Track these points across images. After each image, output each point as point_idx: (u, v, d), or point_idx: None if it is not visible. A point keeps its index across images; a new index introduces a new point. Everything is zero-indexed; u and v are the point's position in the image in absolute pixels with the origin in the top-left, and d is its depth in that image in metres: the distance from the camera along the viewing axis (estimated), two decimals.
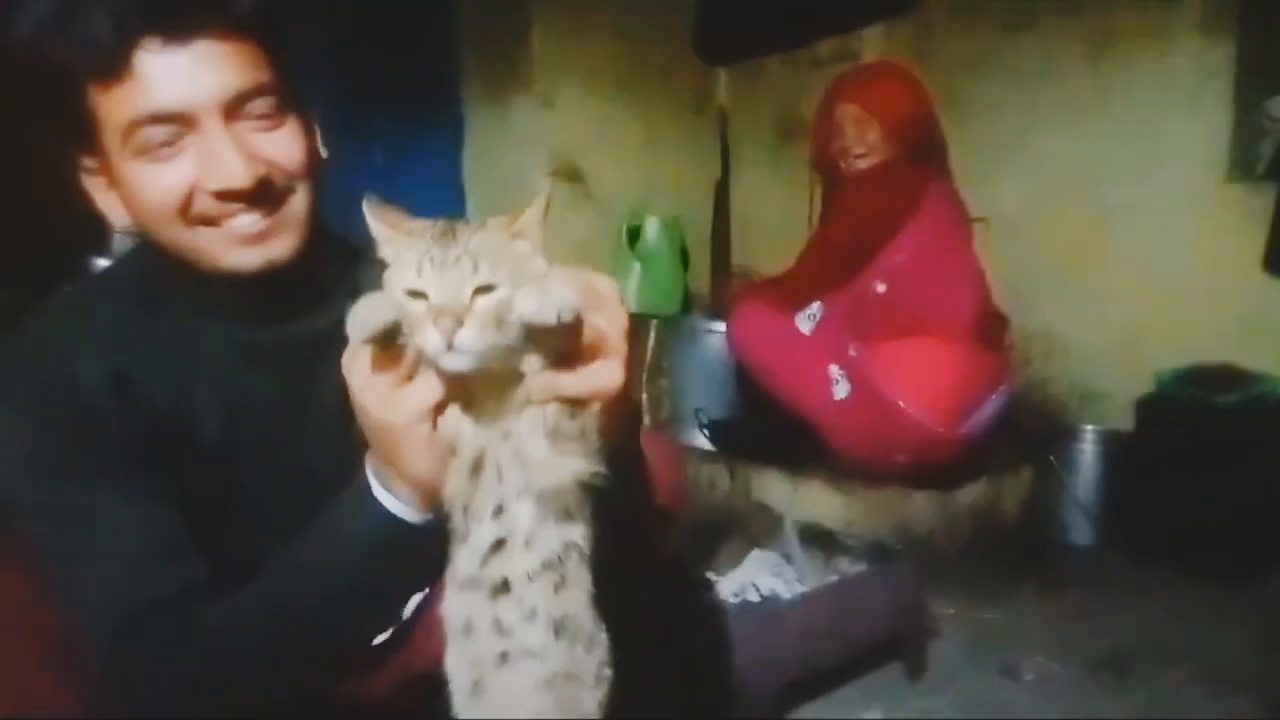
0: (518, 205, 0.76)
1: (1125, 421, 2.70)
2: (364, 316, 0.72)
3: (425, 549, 0.81)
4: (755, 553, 2.10)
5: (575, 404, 0.75)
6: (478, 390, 0.76)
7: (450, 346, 0.69)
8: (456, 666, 0.79)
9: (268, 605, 0.87)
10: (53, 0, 0.85)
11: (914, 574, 1.95)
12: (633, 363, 0.77)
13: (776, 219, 3.54)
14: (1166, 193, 2.76)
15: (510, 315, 0.71)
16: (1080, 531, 2.71)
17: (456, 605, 0.78)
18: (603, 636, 0.79)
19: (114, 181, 0.92)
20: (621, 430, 0.82)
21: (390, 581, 0.87)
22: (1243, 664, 1.97)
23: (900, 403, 2.32)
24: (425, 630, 0.91)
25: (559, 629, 0.77)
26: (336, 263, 1.05)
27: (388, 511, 0.81)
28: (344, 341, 1.02)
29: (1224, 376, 2.51)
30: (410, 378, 0.75)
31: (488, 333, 0.70)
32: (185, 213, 0.90)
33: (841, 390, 2.40)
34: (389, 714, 1.11)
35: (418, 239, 0.73)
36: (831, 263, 2.53)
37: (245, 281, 0.94)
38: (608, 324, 0.75)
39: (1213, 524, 2.38)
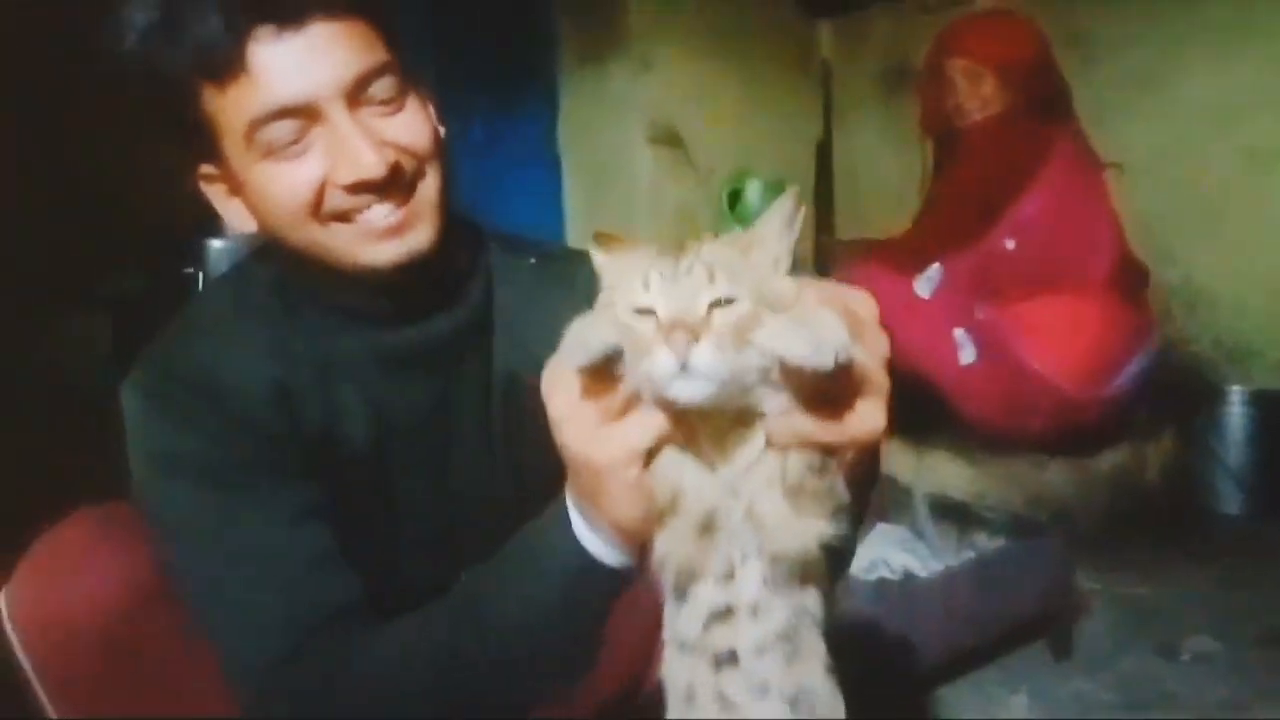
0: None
1: (1277, 380, 2.50)
2: (584, 336, 0.62)
3: (618, 593, 0.72)
4: (881, 527, 2.00)
5: (827, 452, 0.62)
6: (704, 433, 0.63)
7: (684, 367, 0.58)
8: None
9: (441, 634, 0.79)
10: (158, 5, 0.80)
11: (1060, 548, 1.83)
12: (892, 399, 0.63)
13: (885, 178, 3.39)
14: None
15: (755, 336, 0.59)
16: (1230, 500, 2.52)
17: (677, 668, 0.68)
18: (840, 704, 0.68)
19: (237, 187, 0.88)
20: (869, 477, 0.72)
21: (576, 625, 0.75)
22: None
23: (1034, 366, 2.19)
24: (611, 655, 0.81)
25: (794, 705, 0.66)
26: (467, 248, 1.00)
27: (585, 551, 0.71)
28: (480, 336, 0.98)
29: None
30: (623, 413, 0.63)
31: (727, 354, 0.58)
32: (318, 211, 0.84)
33: (968, 355, 2.27)
34: None
35: (641, 257, 0.64)
36: (953, 222, 2.40)
37: (383, 279, 0.88)
38: (868, 354, 0.62)
39: None
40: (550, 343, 0.99)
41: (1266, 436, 2.51)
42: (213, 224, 2.03)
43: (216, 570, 0.85)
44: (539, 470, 1.00)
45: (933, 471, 2.32)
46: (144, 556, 0.89)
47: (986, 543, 1.89)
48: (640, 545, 0.68)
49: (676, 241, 0.64)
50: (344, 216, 0.85)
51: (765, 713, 0.66)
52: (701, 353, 0.58)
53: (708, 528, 0.64)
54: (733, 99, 3.33)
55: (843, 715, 0.68)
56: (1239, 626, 1.91)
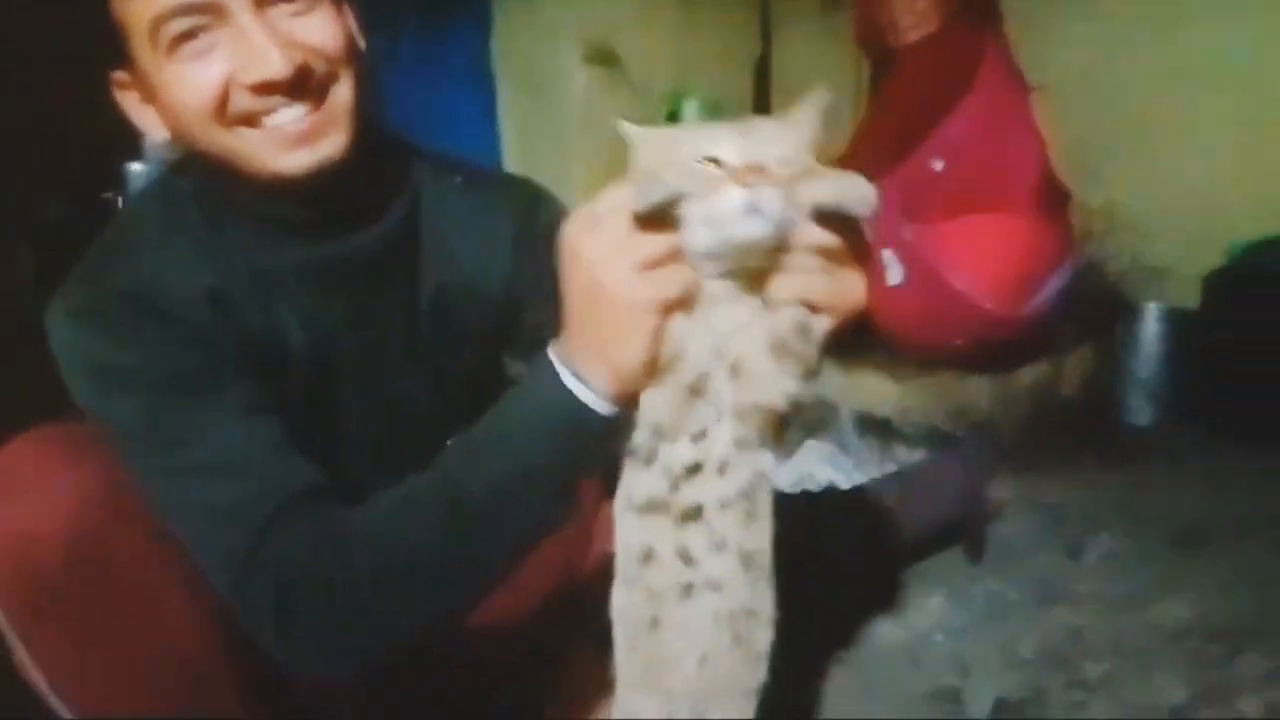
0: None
1: (1191, 299, 2.60)
2: (647, 183, 0.67)
3: (601, 444, 0.77)
4: (809, 443, 2.07)
5: (816, 311, 0.72)
6: (712, 300, 0.71)
7: (754, 207, 0.65)
8: (629, 602, 0.76)
9: (439, 489, 0.81)
10: None
11: (974, 459, 1.91)
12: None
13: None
14: (1247, 48, 2.57)
15: (805, 192, 0.67)
16: (1142, 411, 2.64)
17: (633, 532, 0.75)
18: (771, 575, 0.77)
19: (148, 93, 0.87)
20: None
21: (565, 471, 0.80)
22: None
23: (957, 285, 2.24)
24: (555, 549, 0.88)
25: (747, 562, 0.74)
26: (393, 162, 1.00)
27: (575, 396, 0.75)
28: (407, 250, 1.00)
29: None
30: (658, 265, 0.69)
31: (786, 202, 0.66)
32: (223, 113, 0.84)
33: (895, 275, 2.30)
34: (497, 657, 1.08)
35: (680, 129, 0.74)
36: (886, 145, 2.42)
37: (301, 189, 0.88)
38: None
39: None
40: (476, 259, 1.03)
41: (1177, 352, 2.62)
42: (133, 147, 1.99)
43: (175, 473, 0.86)
44: (466, 383, 1.04)
45: (859, 389, 2.39)
46: (96, 469, 0.89)
47: (908, 455, 1.97)
48: (624, 399, 0.74)
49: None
50: (251, 120, 0.85)
51: (721, 567, 0.73)
52: (770, 195, 0.65)
53: (696, 390, 0.71)
54: (670, 17, 3.29)
55: (773, 582, 0.77)
56: (1144, 527, 2.03)
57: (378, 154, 0.95)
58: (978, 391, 2.38)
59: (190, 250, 0.93)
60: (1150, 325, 2.66)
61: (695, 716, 0.77)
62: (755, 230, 0.66)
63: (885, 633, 1.70)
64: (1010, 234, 2.40)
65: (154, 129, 0.90)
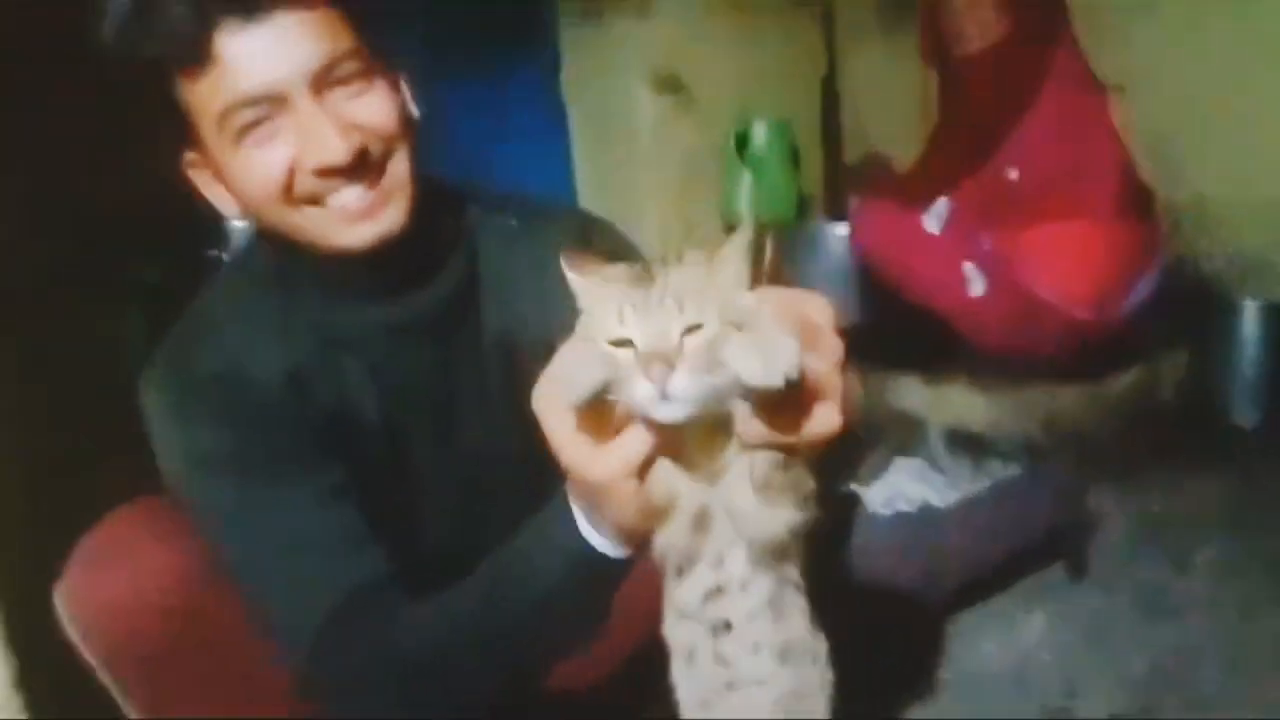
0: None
1: None
2: (571, 378, 0.67)
3: (620, 576, 0.80)
4: (898, 461, 2.05)
5: (790, 450, 0.69)
6: (688, 440, 0.70)
7: (664, 395, 0.64)
8: (682, 683, 0.78)
9: (474, 604, 0.85)
10: None
11: (1071, 471, 1.88)
12: (849, 399, 0.70)
13: (891, 111, 3.36)
14: None
15: (723, 356, 0.65)
16: (1245, 413, 2.55)
17: (677, 631, 0.76)
18: (822, 641, 0.77)
19: (218, 172, 0.92)
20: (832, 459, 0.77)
21: (588, 599, 0.83)
22: None
23: (1042, 294, 2.21)
24: (627, 618, 0.88)
25: (784, 656, 0.75)
26: (449, 216, 1.04)
27: (589, 547, 0.77)
28: (468, 301, 1.03)
29: None
30: (616, 432, 0.69)
31: (700, 378, 0.64)
32: (289, 194, 0.89)
33: (978, 287, 2.29)
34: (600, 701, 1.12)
35: (614, 285, 0.70)
36: (957, 155, 2.41)
37: (363, 258, 0.93)
38: (823, 358, 0.67)
39: None
40: (535, 302, 1.05)
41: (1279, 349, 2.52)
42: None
43: (254, 557, 0.91)
44: (537, 428, 1.07)
45: (947, 404, 2.35)
46: (188, 543, 0.95)
47: (1001, 470, 1.94)
48: (640, 540, 0.75)
49: (644, 267, 0.70)
50: (315, 200, 0.90)
51: (758, 667, 0.75)
52: (677, 380, 0.64)
53: (700, 523, 0.71)
54: (733, 40, 3.31)
55: (824, 646, 0.78)
56: (1252, 536, 1.96)
57: (434, 211, 0.99)
58: (1070, 401, 2.32)
59: (268, 327, 0.98)
60: (1250, 322, 2.57)
61: None
62: (672, 414, 0.64)
63: (989, 653, 1.67)
64: (1091, 238, 2.37)
65: (225, 205, 0.95)
